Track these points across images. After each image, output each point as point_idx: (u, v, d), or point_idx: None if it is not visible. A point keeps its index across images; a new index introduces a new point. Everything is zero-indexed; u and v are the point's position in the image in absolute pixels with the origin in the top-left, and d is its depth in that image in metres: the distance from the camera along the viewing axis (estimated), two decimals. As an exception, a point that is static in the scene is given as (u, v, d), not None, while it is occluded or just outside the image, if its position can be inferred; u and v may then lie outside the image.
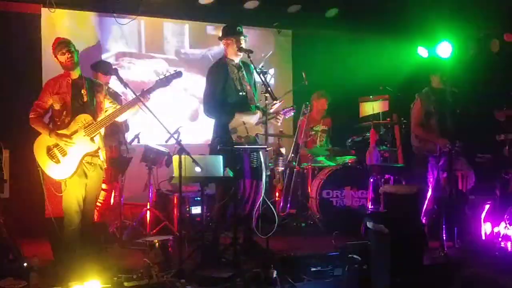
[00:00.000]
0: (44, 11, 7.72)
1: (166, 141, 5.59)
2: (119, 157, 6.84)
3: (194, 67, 8.80)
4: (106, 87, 6.11)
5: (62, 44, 5.27)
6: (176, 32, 8.86)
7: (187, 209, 7.35)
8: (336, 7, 8.99)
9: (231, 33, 6.07)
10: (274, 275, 5.05)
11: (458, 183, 6.57)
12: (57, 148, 5.20)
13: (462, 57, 9.11)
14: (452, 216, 6.17)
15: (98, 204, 6.38)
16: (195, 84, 8.56)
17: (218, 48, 8.42)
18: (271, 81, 9.11)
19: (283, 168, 7.73)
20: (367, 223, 5.48)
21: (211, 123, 6.14)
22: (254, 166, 6.07)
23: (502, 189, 6.56)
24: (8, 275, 5.10)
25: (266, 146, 5.98)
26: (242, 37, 6.06)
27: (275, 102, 5.99)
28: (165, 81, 5.30)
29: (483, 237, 6.26)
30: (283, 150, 7.65)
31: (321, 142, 8.46)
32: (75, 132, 5.20)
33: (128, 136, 7.10)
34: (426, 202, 6.61)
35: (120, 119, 5.47)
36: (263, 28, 9.35)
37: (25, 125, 5.40)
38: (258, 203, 6.15)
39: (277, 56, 9.55)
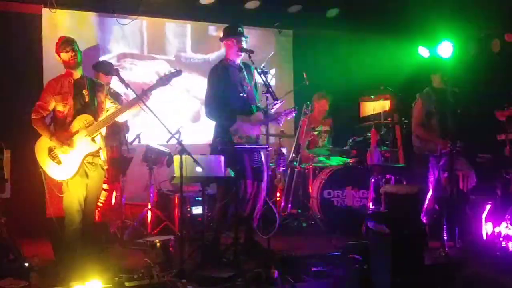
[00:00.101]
0: (45, 11, 7.73)
1: (167, 141, 5.59)
2: (120, 157, 6.84)
3: (196, 68, 8.80)
4: (107, 87, 6.12)
5: (66, 42, 5.27)
6: (178, 33, 8.86)
7: (188, 209, 7.35)
8: (337, 7, 8.99)
9: (232, 34, 6.08)
10: (275, 275, 5.05)
11: (459, 183, 6.56)
12: (59, 149, 5.20)
13: (463, 57, 9.11)
14: (453, 216, 6.17)
15: (99, 204, 6.38)
16: (197, 85, 8.56)
17: (219, 53, 8.42)
18: (272, 81, 9.10)
19: (284, 168, 7.74)
20: (368, 223, 5.48)
21: (213, 124, 6.14)
22: (255, 166, 6.08)
23: (503, 189, 6.55)
24: (8, 275, 5.10)
25: (267, 146, 5.98)
26: (243, 38, 6.07)
27: (276, 102, 5.99)
28: (165, 80, 5.29)
29: (484, 237, 6.25)
30: (284, 150, 7.67)
31: (322, 142, 8.46)
32: (76, 132, 5.20)
33: (129, 136, 7.11)
34: (427, 202, 6.61)
35: (121, 119, 5.47)
36: (264, 28, 9.35)
37: (26, 125, 5.40)
38: (260, 203, 6.16)
39: (278, 56, 9.54)
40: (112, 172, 6.71)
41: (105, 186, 6.41)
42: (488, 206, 6.31)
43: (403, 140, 7.94)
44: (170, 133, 5.35)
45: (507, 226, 6.08)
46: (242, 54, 6.07)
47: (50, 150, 5.21)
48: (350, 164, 7.99)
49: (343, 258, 5.33)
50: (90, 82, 5.44)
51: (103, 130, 5.38)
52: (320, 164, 8.09)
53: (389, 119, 8.17)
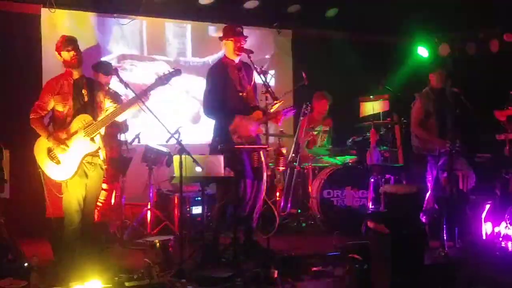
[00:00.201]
0: (44, 11, 7.72)
1: (167, 141, 5.59)
2: (119, 157, 6.84)
3: (195, 69, 8.80)
4: (107, 87, 6.12)
5: (69, 41, 5.26)
6: (178, 34, 8.85)
7: (188, 209, 7.35)
8: (336, 7, 8.99)
9: (231, 33, 6.08)
10: (275, 275, 5.05)
11: (459, 183, 6.56)
12: (57, 149, 5.19)
13: (462, 57, 9.14)
14: (452, 216, 6.17)
15: (99, 204, 6.37)
16: (196, 86, 8.55)
17: (219, 53, 8.41)
18: (271, 81, 9.08)
19: (283, 168, 7.73)
20: (368, 222, 5.48)
21: (212, 125, 6.14)
22: (255, 166, 6.08)
23: (503, 188, 6.56)
24: (8, 275, 5.10)
25: (266, 146, 5.98)
26: (242, 38, 6.07)
27: (275, 102, 5.99)
28: (164, 79, 5.28)
29: (484, 237, 6.26)
30: (283, 150, 7.66)
31: (322, 142, 8.45)
32: (75, 132, 5.19)
33: (129, 136, 7.10)
34: (425, 201, 6.61)
35: (120, 118, 5.46)
36: (263, 28, 9.35)
37: (25, 125, 5.40)
38: (259, 203, 6.16)
39: (277, 56, 9.54)
40: (111, 172, 6.71)
41: (104, 186, 6.41)
42: (488, 206, 6.31)
43: (402, 140, 7.95)
44: (169, 133, 5.34)
45: (506, 226, 6.09)
46: (241, 53, 6.07)
47: (49, 151, 5.21)
48: (350, 164, 8.00)
49: (343, 258, 5.32)
50: (89, 82, 5.43)
51: (102, 130, 5.37)
52: (319, 164, 8.09)
53: (388, 119, 8.17)
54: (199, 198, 7.17)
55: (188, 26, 8.91)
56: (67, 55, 5.23)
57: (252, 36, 8.02)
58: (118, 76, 5.36)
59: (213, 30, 8.95)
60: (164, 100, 7.91)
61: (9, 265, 5.40)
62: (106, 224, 6.58)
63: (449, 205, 6.23)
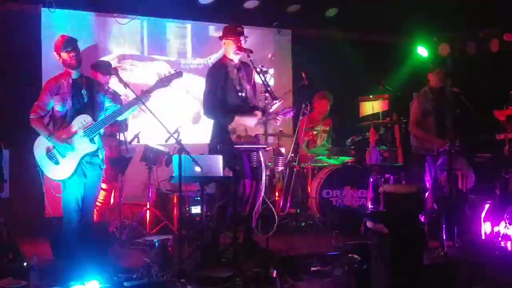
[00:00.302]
0: (44, 11, 7.72)
1: (166, 141, 5.59)
2: (119, 156, 6.83)
3: (196, 69, 8.80)
4: (107, 87, 6.12)
5: (69, 42, 5.24)
6: (177, 34, 8.85)
7: (187, 208, 7.35)
8: (335, 6, 8.99)
9: (231, 33, 6.07)
10: (274, 275, 5.05)
11: (458, 183, 6.56)
12: (57, 149, 5.19)
13: (462, 57, 9.14)
14: (452, 216, 6.17)
15: (98, 203, 6.38)
16: (197, 86, 8.55)
17: (219, 53, 8.42)
18: (271, 81, 9.09)
19: (283, 168, 7.73)
20: (367, 222, 5.47)
21: (212, 125, 6.14)
22: (254, 166, 6.08)
23: (502, 188, 6.56)
24: (8, 275, 5.09)
25: (265, 146, 5.98)
26: (242, 37, 6.07)
27: (275, 102, 5.99)
28: (165, 81, 5.27)
29: (483, 237, 6.26)
30: (283, 150, 7.66)
31: (321, 142, 8.46)
32: (75, 132, 5.18)
33: (128, 136, 7.10)
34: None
35: (120, 118, 5.46)
36: (262, 28, 9.35)
37: (25, 125, 5.39)
38: (258, 203, 6.16)
39: (276, 56, 9.55)
40: (111, 171, 6.72)
41: (104, 185, 6.41)
42: (487, 206, 6.31)
43: (401, 140, 7.96)
44: (169, 132, 5.34)
45: (506, 226, 6.09)
46: (241, 53, 6.07)
47: (48, 150, 5.20)
48: (349, 163, 8.00)
49: (342, 258, 5.32)
50: (89, 81, 5.43)
51: (102, 130, 5.36)
52: (319, 164, 8.09)
53: (387, 118, 8.18)
54: (198, 198, 7.17)
55: (188, 26, 8.91)
56: (66, 55, 5.22)
57: (251, 36, 8.01)
58: (118, 76, 5.35)
59: (214, 30, 8.96)
60: (164, 100, 7.91)
61: (9, 265, 5.40)
62: (105, 224, 6.57)
63: (448, 205, 6.23)
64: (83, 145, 5.20)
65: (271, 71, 9.18)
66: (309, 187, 7.85)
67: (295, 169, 7.88)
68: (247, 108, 6.07)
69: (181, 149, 5.27)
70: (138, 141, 7.22)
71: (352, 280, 5.04)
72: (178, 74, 5.32)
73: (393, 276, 4.77)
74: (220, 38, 6.19)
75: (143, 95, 5.23)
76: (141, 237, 6.62)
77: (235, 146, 5.83)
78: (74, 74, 5.30)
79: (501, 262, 5.78)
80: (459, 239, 6.17)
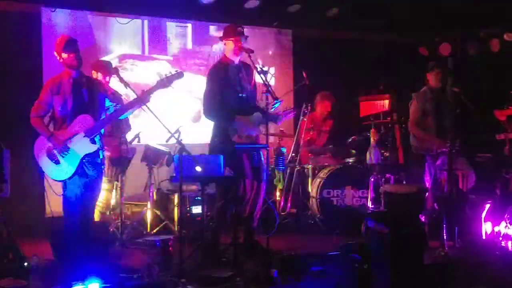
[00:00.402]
0: (45, 11, 7.73)
1: (167, 141, 5.59)
2: (119, 156, 6.82)
3: (197, 68, 8.81)
4: (107, 87, 6.11)
5: (70, 43, 5.23)
6: (178, 33, 8.85)
7: (188, 208, 7.35)
8: (336, 6, 8.99)
9: (232, 33, 6.07)
10: (275, 275, 5.05)
11: (459, 183, 6.56)
12: (57, 150, 5.18)
13: (462, 56, 9.13)
14: (452, 216, 6.17)
15: (99, 203, 6.37)
16: (198, 86, 8.55)
17: (219, 53, 8.43)
18: (272, 81, 9.10)
19: (283, 168, 7.73)
20: (368, 222, 5.47)
21: (212, 124, 6.14)
22: (255, 166, 6.07)
23: (503, 188, 6.57)
24: (8, 275, 5.09)
25: (266, 146, 5.98)
26: (242, 38, 6.06)
27: (275, 102, 5.99)
28: (166, 82, 5.24)
29: (484, 237, 6.25)
30: (283, 150, 7.66)
31: (322, 142, 8.46)
32: (75, 133, 5.17)
33: (129, 136, 7.10)
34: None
35: (121, 117, 5.45)
36: (263, 27, 9.35)
37: (25, 124, 5.39)
38: (259, 203, 6.16)
39: (277, 56, 9.55)
40: (111, 171, 6.72)
41: (104, 185, 6.41)
42: (488, 206, 6.31)
43: (402, 140, 7.95)
44: (169, 132, 5.34)
45: (506, 226, 6.09)
46: (242, 53, 6.07)
47: (49, 150, 5.19)
48: (350, 163, 7.99)
49: (343, 258, 5.32)
50: (89, 81, 5.42)
51: (102, 130, 5.36)
52: (319, 164, 8.08)
53: (388, 118, 8.17)
54: (199, 198, 7.17)
55: (188, 26, 8.91)
56: (66, 56, 5.21)
57: (252, 36, 8.00)
58: (119, 76, 5.34)
59: (214, 30, 8.96)
60: (164, 99, 7.91)
61: (9, 265, 5.40)
62: (105, 224, 6.57)
63: (448, 205, 6.23)
64: (83, 145, 5.20)
65: (272, 70, 9.20)
66: (309, 187, 7.85)
67: (295, 169, 7.88)
68: (247, 108, 6.07)
69: (182, 149, 5.27)
70: (139, 141, 7.21)
71: (353, 280, 5.04)
72: (179, 75, 5.29)
73: (394, 276, 4.77)
74: (221, 38, 6.19)
75: (143, 95, 5.22)
76: (142, 237, 6.63)
77: (235, 146, 5.83)
78: (75, 74, 5.29)
79: (502, 262, 5.78)
80: (459, 239, 6.17)
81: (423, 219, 6.44)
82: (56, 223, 5.42)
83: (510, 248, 6.01)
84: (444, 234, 6.07)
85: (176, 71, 5.34)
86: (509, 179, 6.56)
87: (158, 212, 7.18)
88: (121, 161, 6.82)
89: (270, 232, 5.83)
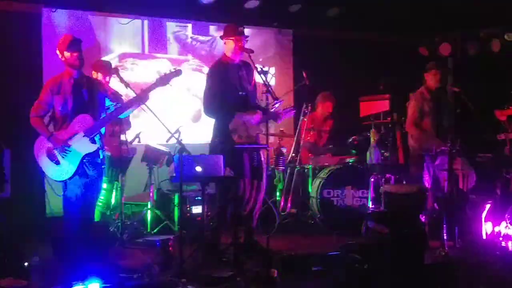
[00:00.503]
0: (45, 11, 7.73)
1: (167, 141, 5.59)
2: (120, 156, 6.82)
3: (196, 67, 8.81)
4: (107, 87, 6.11)
5: (74, 42, 5.21)
6: (178, 32, 8.86)
7: (188, 208, 7.35)
8: (337, 6, 8.99)
9: (232, 32, 6.07)
10: (275, 275, 5.05)
11: (459, 183, 6.56)
12: (57, 150, 5.18)
13: (463, 57, 9.13)
14: (453, 216, 6.17)
15: (99, 203, 6.37)
16: (198, 85, 8.55)
17: (220, 53, 8.44)
18: (272, 80, 9.10)
19: (283, 168, 7.73)
20: (368, 222, 5.48)
21: (213, 124, 6.14)
22: (255, 165, 6.08)
23: (503, 188, 6.57)
24: (8, 275, 5.09)
25: (266, 146, 5.98)
26: (243, 37, 6.07)
27: (275, 101, 5.99)
28: (164, 80, 5.23)
29: (484, 237, 6.25)
30: (284, 150, 7.66)
31: (322, 142, 8.46)
32: (75, 132, 5.16)
33: (129, 136, 7.10)
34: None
35: (121, 116, 5.45)
36: (263, 27, 9.35)
37: (26, 124, 5.38)
38: (259, 203, 6.16)
39: (277, 56, 9.55)
40: (112, 171, 6.72)
41: (104, 185, 6.41)
42: (488, 206, 6.31)
43: (402, 140, 7.95)
44: (169, 132, 5.34)
45: (506, 226, 6.09)
46: (242, 53, 6.07)
47: (49, 151, 5.18)
48: (350, 163, 7.99)
49: (343, 258, 5.32)
50: (89, 81, 5.42)
51: (103, 130, 5.35)
52: (319, 164, 8.08)
53: (388, 118, 8.17)
54: (199, 198, 7.17)
55: (188, 25, 8.91)
56: (69, 55, 5.19)
57: (252, 36, 8.02)
58: (119, 75, 5.34)
59: (214, 29, 8.96)
60: (165, 99, 7.92)
61: (9, 265, 5.40)
62: (106, 224, 6.58)
63: (449, 205, 6.23)
64: (83, 145, 5.18)
65: (272, 70, 9.20)
66: (309, 187, 7.84)
67: (296, 169, 7.88)
68: (247, 108, 6.07)
69: (182, 149, 5.27)
70: (139, 141, 7.21)
71: (353, 280, 5.04)
72: (177, 73, 5.28)
73: (394, 276, 4.78)
74: (221, 37, 6.20)
75: (142, 94, 5.21)
76: (142, 237, 6.63)
77: (236, 146, 5.83)
78: (76, 73, 5.28)
79: (502, 262, 5.78)
80: (460, 239, 6.18)
81: (423, 219, 6.44)
82: (57, 223, 5.40)
83: (510, 248, 6.02)
84: (444, 234, 6.07)
85: (175, 68, 5.33)
86: (510, 179, 6.57)
87: (158, 212, 7.18)
88: (121, 161, 6.82)
89: (270, 232, 5.82)
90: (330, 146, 8.36)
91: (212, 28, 9.00)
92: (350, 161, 8.03)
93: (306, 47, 9.47)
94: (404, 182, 7.18)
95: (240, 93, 6.04)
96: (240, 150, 5.89)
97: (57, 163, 5.17)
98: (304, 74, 7.22)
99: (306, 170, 8.01)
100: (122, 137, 6.80)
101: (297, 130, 7.99)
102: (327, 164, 8.03)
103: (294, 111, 6.46)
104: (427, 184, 6.80)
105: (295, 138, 8.02)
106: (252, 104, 6.14)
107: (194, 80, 8.71)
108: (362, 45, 9.51)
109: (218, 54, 8.05)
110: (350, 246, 5.49)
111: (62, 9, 7.84)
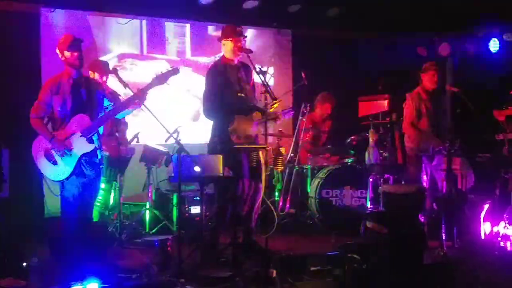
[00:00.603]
0: (44, 11, 7.73)
1: (166, 141, 5.58)
2: (118, 156, 6.82)
3: (196, 67, 8.81)
4: (105, 86, 6.11)
5: (75, 42, 5.20)
6: (177, 33, 8.86)
7: (186, 208, 7.35)
8: (336, 6, 8.99)
9: (230, 33, 6.07)
10: (274, 275, 5.05)
11: (458, 183, 6.56)
12: (55, 150, 5.17)
13: (462, 56, 9.13)
14: (451, 216, 6.17)
15: (97, 203, 6.37)
16: (197, 85, 8.56)
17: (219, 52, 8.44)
18: (271, 81, 9.09)
19: (282, 168, 7.73)
20: (367, 222, 5.48)
21: (211, 124, 6.14)
22: (254, 166, 6.07)
23: (502, 188, 6.56)
24: (7, 275, 5.09)
25: (265, 146, 5.98)
26: (241, 38, 6.06)
27: (274, 102, 5.99)
28: (161, 79, 5.20)
29: (483, 237, 6.26)
30: (282, 150, 7.66)
31: (321, 142, 8.46)
32: (73, 132, 5.15)
33: (128, 136, 7.10)
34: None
35: (117, 116, 5.44)
36: (262, 28, 9.35)
37: (25, 124, 5.37)
38: (258, 203, 6.16)
39: (276, 56, 9.55)
40: (110, 171, 6.71)
41: (103, 185, 6.40)
42: (487, 206, 6.32)
43: (401, 140, 7.95)
44: (168, 132, 5.33)
45: (505, 226, 6.09)
46: (241, 53, 6.06)
47: (46, 151, 5.17)
48: (349, 163, 7.99)
49: (342, 258, 5.32)
50: (88, 81, 5.41)
51: (101, 129, 5.35)
52: (318, 164, 8.08)
53: (387, 118, 8.16)
54: (197, 198, 7.17)
55: (187, 25, 8.91)
56: (69, 55, 5.18)
57: (251, 36, 8.03)
58: (118, 76, 5.33)
59: (213, 29, 8.96)
60: (163, 99, 7.92)
61: (9, 265, 5.40)
62: (104, 224, 6.57)
63: (448, 205, 6.23)
64: (80, 145, 5.17)
65: (271, 71, 9.20)
66: (308, 187, 7.85)
67: (294, 169, 7.88)
68: (246, 109, 6.06)
69: (181, 149, 5.26)
70: (138, 141, 7.22)
71: (352, 280, 5.04)
72: (175, 71, 5.26)
73: (393, 276, 4.78)
74: (219, 39, 6.18)
75: (139, 93, 5.19)
76: (141, 237, 6.64)
77: (234, 146, 5.83)
78: (75, 73, 5.28)
79: (501, 262, 5.78)
80: (458, 239, 6.18)
81: (422, 219, 6.44)
82: (55, 223, 5.40)
83: (509, 248, 6.02)
84: (443, 234, 6.07)
85: (172, 67, 5.31)
86: (508, 179, 6.56)
87: (157, 212, 7.17)
88: (119, 161, 6.82)
89: (269, 232, 5.81)
90: (328, 146, 8.37)
91: (210, 28, 9.00)
92: (349, 161, 8.04)
93: (305, 47, 9.47)
94: (403, 182, 7.19)
95: (239, 93, 6.04)
96: (239, 150, 5.89)
97: (55, 163, 5.15)
98: (303, 75, 7.21)
99: (304, 170, 8.01)
100: (121, 137, 6.80)
101: (296, 130, 7.99)
102: (325, 164, 8.03)
103: (293, 112, 6.46)
104: (425, 184, 6.80)
105: (294, 138, 8.01)
106: (251, 105, 6.13)
107: (193, 81, 8.71)
108: (361, 45, 9.50)
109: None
110: (348, 246, 5.49)
111: (60, 9, 7.83)
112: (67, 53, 5.19)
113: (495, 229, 6.18)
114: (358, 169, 7.74)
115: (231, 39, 6.05)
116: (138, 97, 5.18)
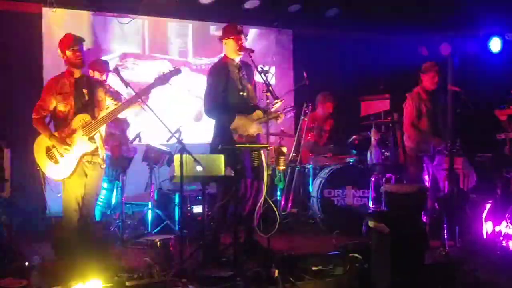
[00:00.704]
0: (45, 11, 7.73)
1: (168, 140, 5.58)
2: (120, 156, 6.84)
3: (198, 67, 8.81)
4: (107, 85, 6.11)
5: (77, 41, 5.22)
6: (179, 33, 8.87)
7: (188, 208, 7.35)
8: (336, 6, 8.99)
9: (232, 32, 6.06)
10: (275, 275, 5.04)
11: (459, 182, 6.56)
12: (56, 149, 5.17)
13: (462, 56, 9.12)
14: (453, 216, 6.17)
15: (99, 203, 6.38)
16: (199, 84, 8.55)
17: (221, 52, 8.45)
18: (272, 80, 9.08)
19: (284, 167, 7.72)
20: (368, 222, 5.47)
21: (213, 124, 6.14)
22: (255, 165, 6.07)
23: (503, 188, 6.56)
24: (8, 275, 5.09)
25: (267, 145, 5.98)
26: (242, 37, 6.06)
27: (276, 101, 5.99)
28: (163, 79, 5.22)
29: (485, 236, 6.26)
30: (284, 149, 7.65)
31: (322, 141, 8.46)
32: (74, 131, 5.16)
33: (130, 135, 7.11)
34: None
35: (120, 116, 5.44)
36: (263, 27, 9.35)
37: (26, 124, 5.39)
38: (259, 202, 6.15)
39: (277, 56, 9.55)
40: (112, 171, 6.72)
41: (105, 185, 6.41)
42: (488, 205, 6.32)
43: (403, 139, 7.95)
44: (170, 132, 5.33)
45: (507, 225, 6.09)
46: (242, 52, 6.06)
47: (48, 150, 5.18)
48: (351, 163, 7.99)
49: (343, 258, 5.32)
50: (89, 80, 5.42)
51: (103, 129, 5.35)
52: (320, 164, 8.08)
53: (389, 118, 8.16)
54: (199, 197, 7.17)
55: (189, 25, 8.92)
56: (71, 54, 5.19)
57: (252, 36, 8.03)
58: (119, 75, 5.34)
59: (215, 29, 8.96)
60: (165, 99, 7.92)
61: (9, 265, 5.40)
62: (106, 223, 6.58)
63: (449, 205, 6.23)
64: (82, 144, 5.18)
65: (272, 70, 9.19)
66: (310, 187, 7.85)
67: (296, 168, 7.87)
68: (248, 108, 6.06)
69: (183, 148, 5.26)
70: (140, 141, 7.22)
71: (353, 279, 5.04)
72: (177, 71, 5.27)
73: (394, 275, 4.77)
74: (220, 39, 6.17)
75: (141, 93, 5.20)
76: (143, 236, 6.63)
77: (236, 145, 5.82)
78: (76, 73, 5.28)
79: (503, 261, 5.78)
80: (460, 238, 6.17)
81: (424, 219, 6.44)
82: (57, 222, 5.40)
83: (511, 247, 6.02)
84: (445, 234, 6.07)
85: (174, 67, 5.32)
86: (510, 178, 6.55)
87: (159, 212, 7.17)
88: (122, 161, 6.83)
89: (270, 232, 5.81)
90: (330, 145, 8.36)
91: (212, 29, 9.00)
92: (351, 160, 8.04)
93: (306, 47, 9.47)
94: (405, 182, 7.19)
95: (241, 93, 6.04)
96: (241, 149, 5.88)
97: (56, 162, 5.16)
98: (304, 74, 7.21)
99: (306, 170, 8.02)
100: (123, 137, 6.81)
101: (298, 130, 7.99)
102: (327, 163, 8.03)
103: (294, 111, 6.46)
104: (427, 184, 6.80)
105: (296, 138, 8.01)
106: (252, 104, 6.14)
107: (195, 81, 8.71)
108: (361, 45, 9.50)
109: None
110: (350, 245, 5.49)
111: (62, 9, 7.83)
112: (68, 53, 5.19)
113: (497, 228, 6.18)
114: (360, 169, 7.74)
115: (232, 37, 6.04)
116: (140, 96, 5.18)
